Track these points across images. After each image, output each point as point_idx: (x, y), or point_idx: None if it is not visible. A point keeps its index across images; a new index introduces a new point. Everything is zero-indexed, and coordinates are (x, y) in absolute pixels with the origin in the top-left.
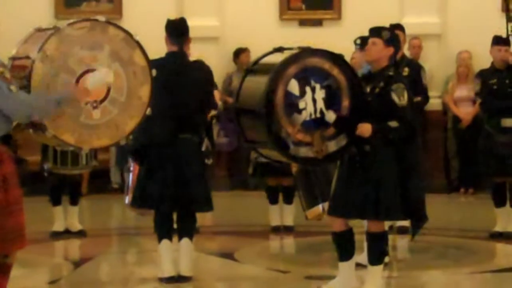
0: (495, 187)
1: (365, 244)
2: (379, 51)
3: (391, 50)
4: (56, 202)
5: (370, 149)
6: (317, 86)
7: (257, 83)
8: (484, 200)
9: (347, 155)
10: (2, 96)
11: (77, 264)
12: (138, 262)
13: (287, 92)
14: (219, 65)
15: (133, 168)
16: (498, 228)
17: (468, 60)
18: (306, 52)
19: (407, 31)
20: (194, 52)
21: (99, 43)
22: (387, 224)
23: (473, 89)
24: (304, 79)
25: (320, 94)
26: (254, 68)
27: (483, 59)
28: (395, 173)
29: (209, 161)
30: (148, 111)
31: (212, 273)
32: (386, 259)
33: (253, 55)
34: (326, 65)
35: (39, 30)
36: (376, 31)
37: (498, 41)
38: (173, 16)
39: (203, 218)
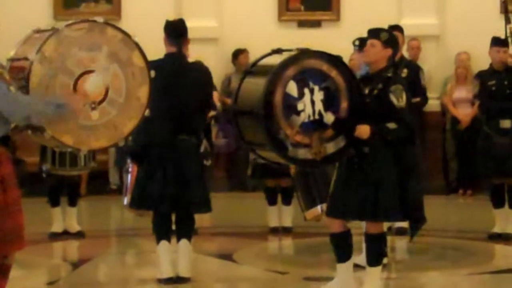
0: (494, 188)
1: (363, 245)
2: (378, 52)
3: (389, 51)
4: (54, 203)
5: (368, 151)
6: (316, 88)
7: (256, 85)
8: (483, 201)
9: (346, 157)
10: (1, 97)
11: (75, 265)
12: (137, 263)
13: (285, 93)
14: (218, 66)
15: (132, 169)
16: (497, 229)
17: (467, 61)
18: (305, 53)
19: (406, 32)
20: (193, 53)
21: (97, 44)
22: (385, 225)
23: (471, 91)
24: (302, 80)
25: (318, 95)
26: (253, 70)
27: (482, 60)
28: (393, 174)
29: (207, 162)
30: (147, 112)
31: (211, 274)
32: (385, 260)
33: (252, 56)
34: (325, 67)
35: (38, 31)
36: (374, 33)
37: (496, 42)
38: (172, 17)
39: (201, 219)
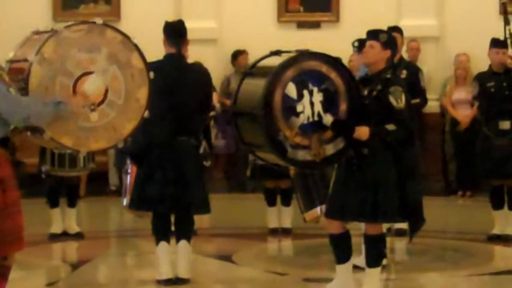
0: (493, 189)
1: (363, 247)
2: (377, 53)
3: (388, 52)
4: (54, 204)
5: (368, 152)
6: (315, 89)
7: (255, 86)
8: (482, 202)
9: (345, 158)
10: (1, 98)
11: (75, 266)
12: (136, 264)
13: (285, 95)
14: (217, 67)
15: (131, 170)
16: (496, 230)
17: (466, 62)
18: (304, 55)
19: (405, 33)
20: (192, 54)
21: (96, 46)
22: (385, 227)
23: (471, 92)
24: (301, 82)
25: (317, 97)
26: (252, 71)
27: (481, 61)
28: (392, 175)
29: (207, 163)
30: (146, 113)
31: (210, 275)
32: (384, 262)
33: (251, 57)
34: (324, 68)
35: (37, 33)
36: (373, 34)
37: (496, 43)
38: (171, 18)
39: (200, 221)
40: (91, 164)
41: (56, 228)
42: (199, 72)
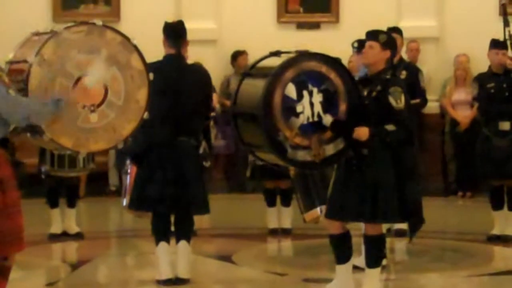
0: (493, 190)
1: (362, 247)
2: (376, 54)
3: (388, 53)
4: (53, 204)
5: (367, 152)
6: (315, 90)
7: (255, 87)
8: (482, 203)
9: (345, 158)
10: (0, 99)
11: (74, 266)
12: (136, 265)
13: (284, 95)
14: (217, 67)
15: (131, 170)
16: (496, 231)
17: (466, 63)
18: (303, 56)
19: (405, 34)
20: (192, 55)
21: (96, 47)
22: (385, 227)
23: (470, 93)
24: (301, 83)
25: (317, 97)
26: (252, 72)
27: (481, 62)
28: (392, 176)
29: (206, 164)
30: (146, 115)
31: (210, 276)
32: (384, 262)
33: (251, 58)
34: (323, 69)
35: (36, 34)
36: (373, 34)
37: (495, 44)
38: (171, 18)
39: (200, 221)
40: (90, 165)
41: (56, 228)
42: (199, 73)
